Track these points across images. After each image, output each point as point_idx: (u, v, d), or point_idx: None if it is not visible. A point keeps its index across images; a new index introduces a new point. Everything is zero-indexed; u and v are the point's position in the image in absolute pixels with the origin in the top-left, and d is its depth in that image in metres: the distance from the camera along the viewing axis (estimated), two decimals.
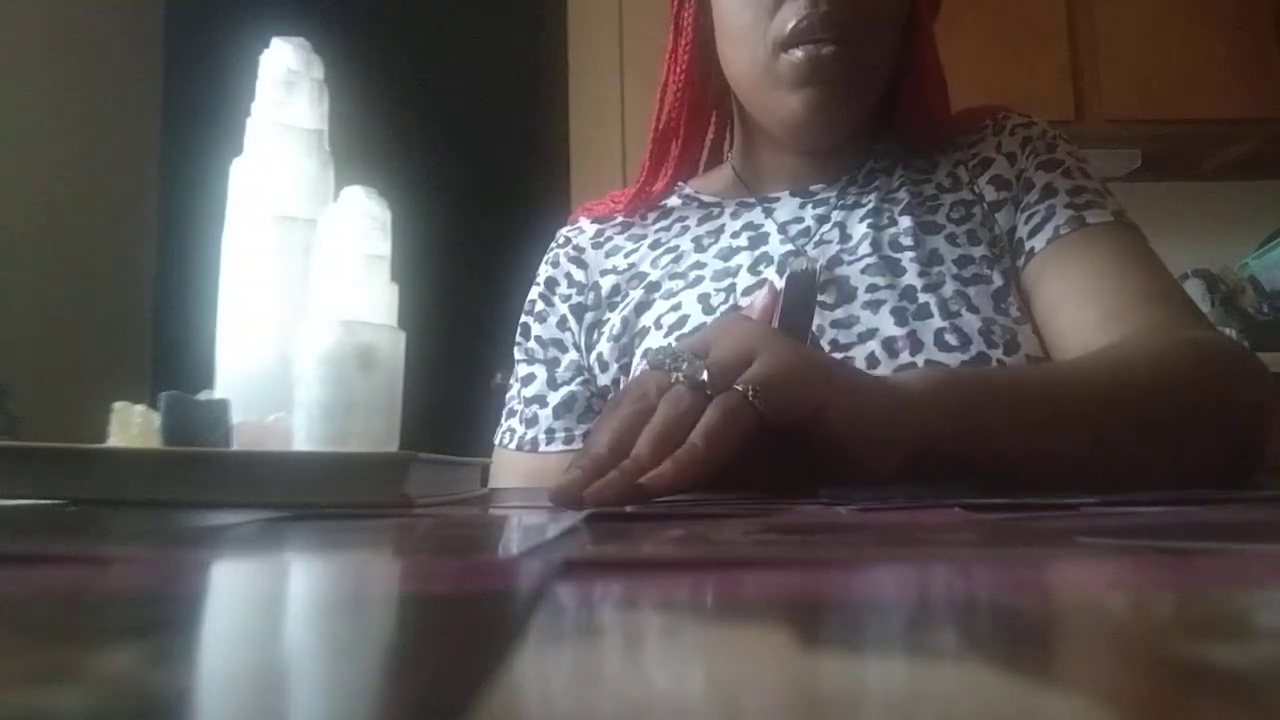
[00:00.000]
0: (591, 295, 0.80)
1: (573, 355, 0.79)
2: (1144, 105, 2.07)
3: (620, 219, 0.83)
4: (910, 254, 0.70)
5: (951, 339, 0.65)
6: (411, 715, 0.09)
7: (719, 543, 0.26)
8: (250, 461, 0.40)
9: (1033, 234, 0.71)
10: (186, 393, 0.43)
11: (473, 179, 2.90)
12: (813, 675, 0.11)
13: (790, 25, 0.68)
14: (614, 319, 0.76)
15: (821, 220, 0.75)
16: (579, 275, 0.81)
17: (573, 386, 0.78)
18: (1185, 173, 2.30)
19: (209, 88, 1.97)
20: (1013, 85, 1.90)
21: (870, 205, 0.75)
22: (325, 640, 0.14)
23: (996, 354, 0.64)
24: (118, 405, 0.43)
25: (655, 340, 0.72)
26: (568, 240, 0.84)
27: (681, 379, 0.46)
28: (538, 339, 0.81)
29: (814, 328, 0.67)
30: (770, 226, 0.76)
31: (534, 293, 0.83)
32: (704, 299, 0.72)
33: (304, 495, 0.38)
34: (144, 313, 2.54)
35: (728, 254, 0.75)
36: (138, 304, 2.52)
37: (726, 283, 0.73)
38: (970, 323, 0.66)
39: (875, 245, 0.71)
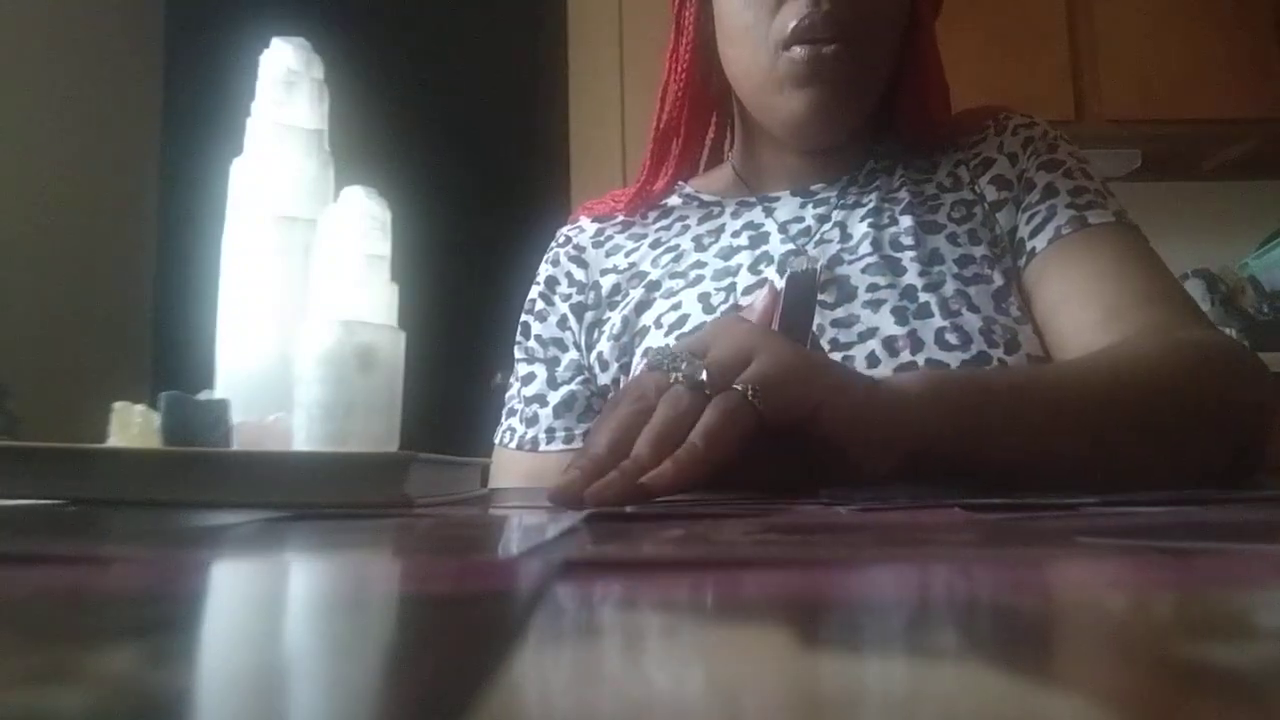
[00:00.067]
0: (592, 294, 0.80)
1: (573, 354, 0.79)
2: (1144, 105, 2.07)
3: (621, 218, 0.83)
4: (911, 253, 0.70)
5: (952, 338, 0.65)
6: (411, 715, 0.09)
7: (719, 543, 0.26)
8: (250, 461, 0.40)
9: (1034, 234, 0.71)
10: (186, 393, 0.43)
11: (473, 179, 2.90)
12: (813, 675, 0.11)
13: (792, 24, 0.68)
14: (614, 318, 0.76)
15: (822, 220, 0.75)
16: (579, 274, 0.81)
17: (573, 386, 0.78)
18: (1185, 173, 2.30)
19: (209, 88, 1.97)
20: (1013, 85, 1.90)
21: (871, 205, 0.75)
22: (325, 640, 0.14)
23: (997, 353, 0.65)
24: (118, 405, 0.43)
25: (655, 339, 0.72)
26: (568, 239, 0.84)
27: (680, 379, 0.46)
28: (538, 338, 0.81)
29: (814, 327, 0.67)
30: (771, 226, 0.76)
31: (534, 292, 0.83)
32: (704, 298, 0.72)
33: (304, 495, 0.38)
34: (144, 313, 2.54)
35: (728, 253, 0.75)
36: (138, 304, 2.52)
37: (727, 282, 0.73)
38: (971, 322, 0.66)
39: (876, 245, 0.71)
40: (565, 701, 0.10)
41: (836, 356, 0.65)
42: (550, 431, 0.77)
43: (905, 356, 0.65)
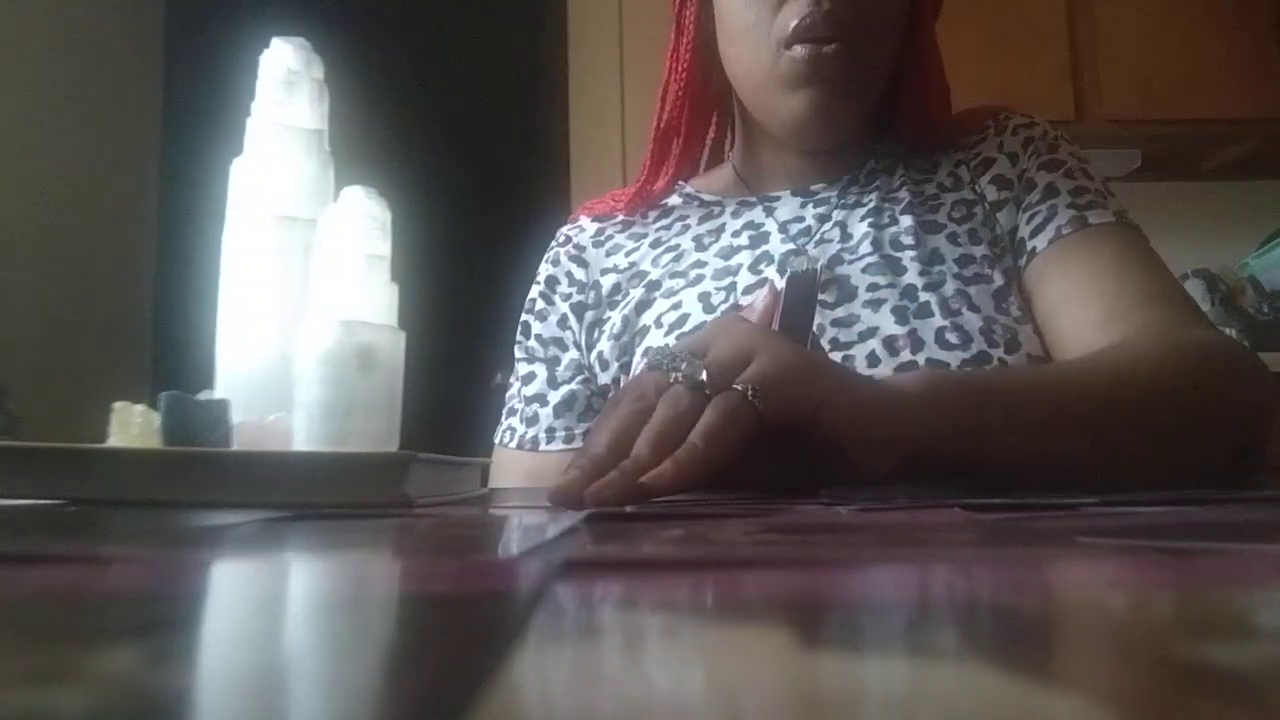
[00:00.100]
0: (592, 294, 0.80)
1: (573, 354, 0.79)
2: (1144, 105, 2.07)
3: (621, 218, 0.83)
4: (911, 253, 0.70)
5: (952, 337, 0.65)
6: (411, 715, 0.09)
7: (719, 543, 0.26)
8: (250, 461, 0.40)
9: (1034, 234, 0.71)
10: (186, 393, 0.43)
11: (473, 179, 2.90)
12: (813, 675, 0.11)
13: (793, 23, 0.68)
14: (614, 317, 0.76)
15: (822, 219, 0.75)
16: (580, 274, 0.81)
17: (573, 385, 0.78)
18: (1185, 173, 2.30)
19: (209, 88, 1.97)
20: (1013, 85, 1.90)
21: (871, 204, 0.75)
22: (325, 640, 0.14)
23: (997, 353, 0.65)
24: (118, 405, 0.43)
25: (656, 339, 0.72)
26: (568, 239, 0.84)
27: (680, 379, 0.46)
28: (538, 337, 0.81)
29: (815, 327, 0.67)
30: (771, 225, 0.76)
31: (534, 291, 0.83)
32: (704, 298, 0.72)
33: (304, 495, 0.38)
34: (144, 313, 2.54)
35: (728, 253, 0.75)
36: (138, 304, 2.52)
37: (727, 281, 0.73)
38: (971, 321, 0.66)
39: (876, 244, 0.72)
40: (565, 701, 0.10)
41: (837, 356, 0.66)
42: (550, 431, 0.77)
43: (905, 356, 0.65)
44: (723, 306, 0.71)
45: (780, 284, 0.68)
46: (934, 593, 0.18)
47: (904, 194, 0.75)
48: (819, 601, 0.17)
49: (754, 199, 0.79)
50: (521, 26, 2.76)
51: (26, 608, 0.16)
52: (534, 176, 2.58)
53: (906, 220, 0.73)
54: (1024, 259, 0.71)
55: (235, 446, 0.43)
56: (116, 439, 0.42)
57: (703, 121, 0.82)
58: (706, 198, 0.82)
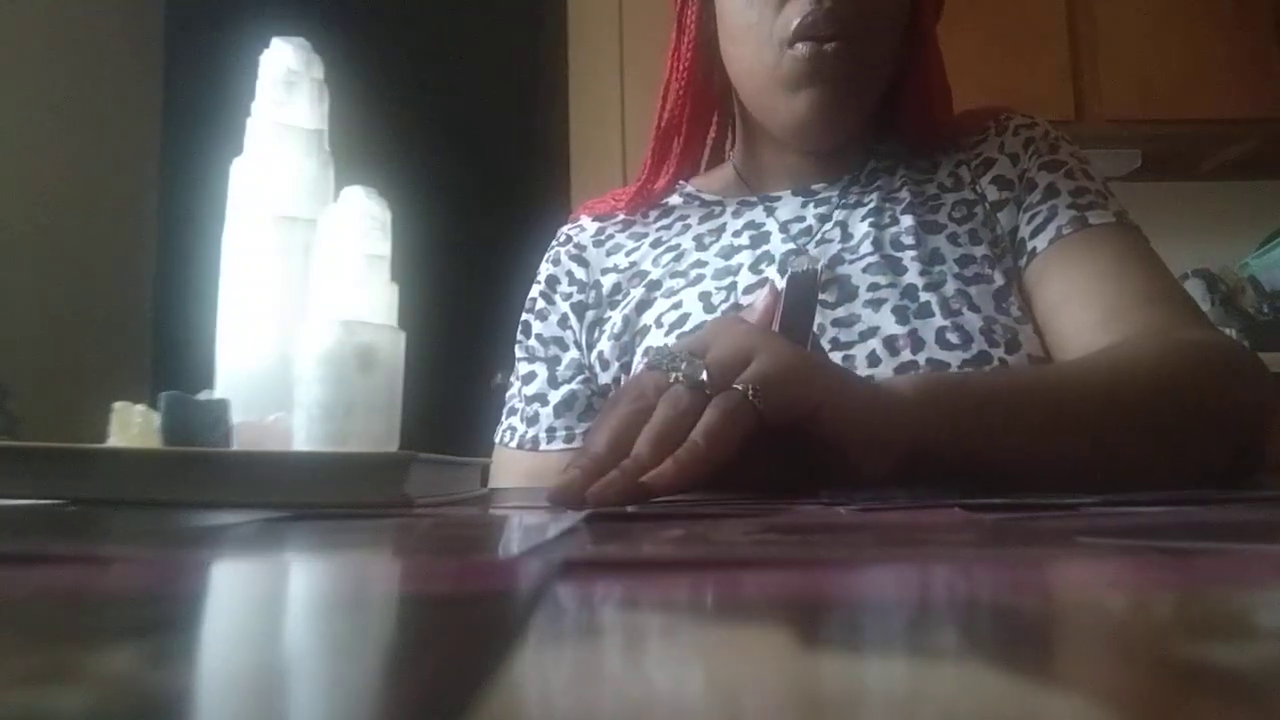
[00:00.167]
0: (593, 293, 0.80)
1: (574, 353, 0.79)
2: (1144, 105, 2.07)
3: (622, 217, 0.83)
4: (912, 253, 0.70)
5: (953, 337, 0.65)
6: (411, 715, 0.09)
7: (719, 543, 0.26)
8: (250, 461, 0.40)
9: (1035, 234, 0.71)
10: (186, 393, 0.43)
11: (473, 179, 2.90)
12: (813, 675, 0.11)
13: (795, 22, 0.68)
14: (615, 317, 0.76)
15: (823, 219, 0.75)
16: (580, 273, 0.81)
17: (574, 385, 0.78)
18: (1185, 173, 2.30)
19: (209, 88, 1.97)
20: (1013, 85, 1.90)
21: (872, 204, 0.75)
22: (325, 640, 0.14)
23: (998, 353, 0.65)
24: (118, 405, 0.43)
25: (656, 339, 0.72)
26: (569, 238, 0.84)
27: (680, 379, 0.46)
28: (539, 337, 0.81)
29: (815, 327, 0.67)
30: (772, 225, 0.76)
31: (535, 290, 0.83)
32: (705, 297, 0.72)
33: (304, 495, 0.38)
34: (144, 313, 2.54)
35: (729, 252, 0.75)
36: (138, 304, 2.52)
37: (728, 281, 0.73)
38: (971, 321, 0.66)
39: (877, 244, 0.72)
40: (565, 701, 0.10)
41: (837, 356, 0.66)
42: (551, 431, 0.77)
43: (906, 356, 0.65)
44: (723, 306, 0.71)
45: (780, 284, 0.68)
46: (934, 593, 0.18)
47: (905, 194, 0.75)
48: (819, 601, 0.17)
49: (755, 199, 0.79)
50: (521, 26, 2.76)
51: (26, 608, 0.16)
52: (534, 176, 2.58)
53: (907, 220, 0.73)
54: (1024, 259, 0.72)
55: (235, 446, 0.43)
56: (116, 439, 0.42)
57: (704, 121, 0.82)
58: (707, 197, 0.82)
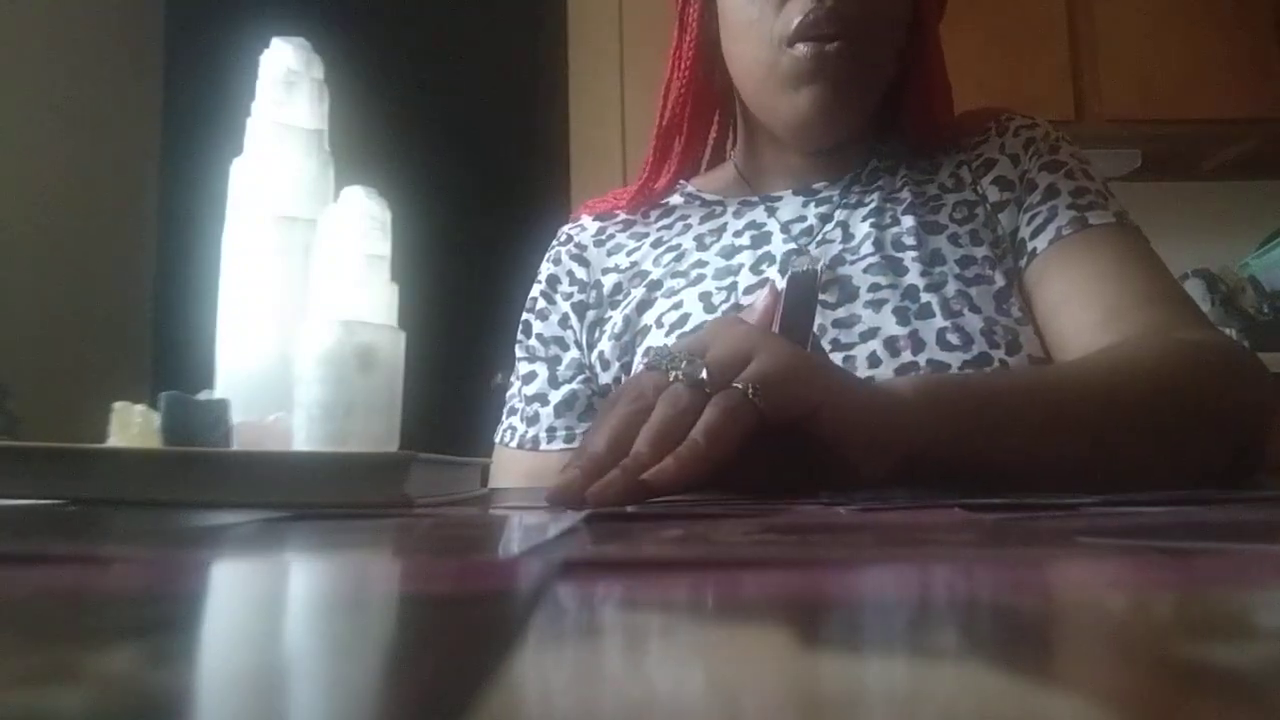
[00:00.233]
0: (593, 293, 0.80)
1: (574, 353, 0.79)
2: (1144, 105, 2.07)
3: (622, 217, 0.83)
4: (913, 253, 0.70)
5: (953, 338, 0.65)
6: (411, 715, 0.09)
7: (719, 543, 0.26)
8: (250, 461, 0.40)
9: (1035, 234, 0.71)
10: (186, 393, 0.43)
11: (473, 179, 2.90)
12: (813, 675, 0.11)
13: (796, 21, 0.68)
14: (615, 317, 0.76)
15: (824, 219, 0.75)
16: (581, 273, 0.81)
17: (574, 385, 0.78)
18: (1185, 173, 2.30)
19: (209, 88, 1.97)
20: (1013, 85, 1.90)
21: (873, 204, 0.75)
22: (325, 640, 0.14)
23: (998, 354, 0.65)
24: (118, 405, 0.43)
25: (657, 339, 0.72)
26: (569, 238, 0.84)
27: (680, 378, 0.46)
28: (539, 337, 0.81)
29: (815, 327, 0.67)
30: (773, 225, 0.76)
31: (535, 290, 0.83)
32: (705, 297, 0.72)
33: (304, 495, 0.38)
34: (144, 313, 2.54)
35: (730, 252, 0.75)
36: (138, 304, 2.52)
37: (728, 281, 0.73)
38: (972, 322, 0.66)
39: (878, 244, 0.72)
40: (565, 701, 0.10)
41: (837, 356, 0.66)
42: (551, 430, 0.77)
43: (906, 357, 0.65)
44: (724, 306, 0.71)
45: (781, 284, 0.68)
46: (934, 593, 0.18)
47: (906, 194, 0.75)
48: (819, 601, 0.17)
49: (756, 198, 0.79)
50: (521, 26, 2.76)
51: (26, 608, 0.16)
52: (534, 176, 2.58)
53: (908, 221, 0.73)
54: (1025, 260, 0.72)
55: (235, 446, 0.43)
56: (116, 439, 0.42)
57: (705, 120, 0.82)
58: (708, 197, 0.82)
